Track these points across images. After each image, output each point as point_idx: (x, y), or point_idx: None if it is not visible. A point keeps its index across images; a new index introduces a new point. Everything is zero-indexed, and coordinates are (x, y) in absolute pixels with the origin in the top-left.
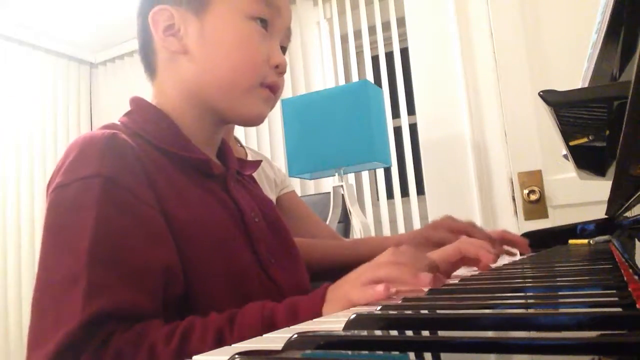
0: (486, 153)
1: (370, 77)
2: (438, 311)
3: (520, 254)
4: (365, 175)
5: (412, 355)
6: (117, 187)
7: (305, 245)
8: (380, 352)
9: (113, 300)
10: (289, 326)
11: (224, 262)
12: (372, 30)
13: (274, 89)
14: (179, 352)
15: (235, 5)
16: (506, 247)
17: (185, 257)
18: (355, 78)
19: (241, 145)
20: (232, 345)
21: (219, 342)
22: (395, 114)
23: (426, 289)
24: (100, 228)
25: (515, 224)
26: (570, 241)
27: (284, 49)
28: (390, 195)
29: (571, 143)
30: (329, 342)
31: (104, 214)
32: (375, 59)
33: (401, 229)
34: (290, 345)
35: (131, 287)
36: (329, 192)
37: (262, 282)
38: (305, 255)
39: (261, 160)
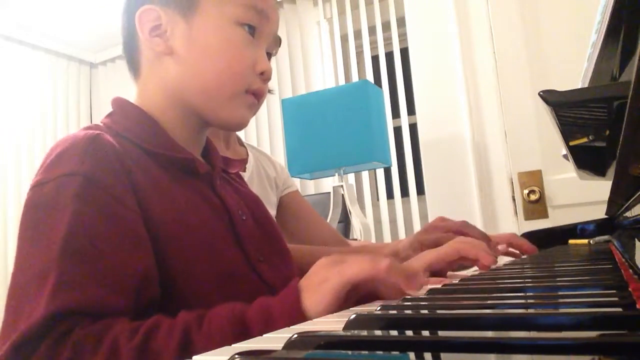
0: (486, 153)
1: (370, 77)
2: (438, 311)
3: (521, 254)
4: (365, 175)
5: (412, 355)
6: (96, 187)
7: (305, 252)
8: (380, 352)
9: (80, 296)
10: (261, 324)
11: (211, 262)
12: (372, 30)
13: (258, 96)
14: (142, 347)
15: (224, 10)
16: (511, 250)
17: (172, 258)
18: (355, 78)
19: (242, 144)
20: (233, 345)
21: (185, 340)
22: (395, 114)
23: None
24: (75, 225)
25: (515, 224)
26: (570, 241)
27: (269, 56)
28: (390, 195)
29: (571, 143)
30: (329, 342)
31: (79, 212)
32: (375, 59)
33: (401, 229)
34: (290, 345)
35: (102, 285)
36: (329, 192)
37: (251, 280)
38: (304, 262)
39: (246, 159)
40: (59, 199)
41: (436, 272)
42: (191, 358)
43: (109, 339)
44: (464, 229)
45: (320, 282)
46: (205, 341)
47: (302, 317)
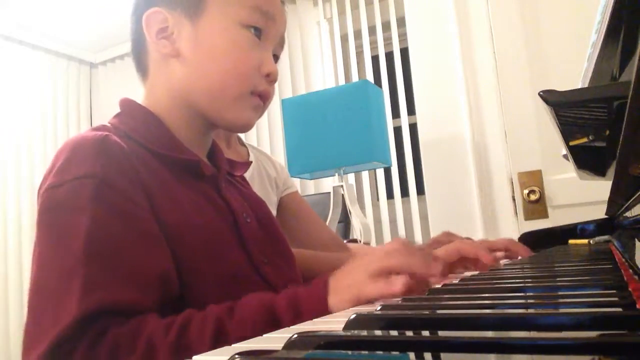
0: (486, 153)
1: (370, 77)
2: (438, 311)
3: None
4: (365, 175)
5: (412, 355)
6: (110, 189)
7: (309, 257)
8: (380, 352)
9: (109, 296)
10: (290, 315)
11: (215, 263)
12: (372, 30)
13: (264, 98)
14: (178, 342)
15: (230, 13)
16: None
17: (177, 259)
18: (355, 78)
19: (242, 144)
20: (233, 345)
21: (219, 331)
22: (395, 114)
23: (433, 284)
24: (95, 228)
25: (515, 224)
26: (570, 241)
27: (276, 58)
28: (390, 195)
29: (571, 143)
30: (329, 342)
31: (97, 214)
32: (375, 59)
33: (401, 229)
34: (290, 345)
35: (128, 284)
36: (329, 192)
37: (255, 282)
38: (307, 266)
39: (251, 162)
40: (75, 201)
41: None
42: (190, 348)
43: (144, 336)
44: None
45: (347, 287)
46: (238, 331)
47: (327, 313)
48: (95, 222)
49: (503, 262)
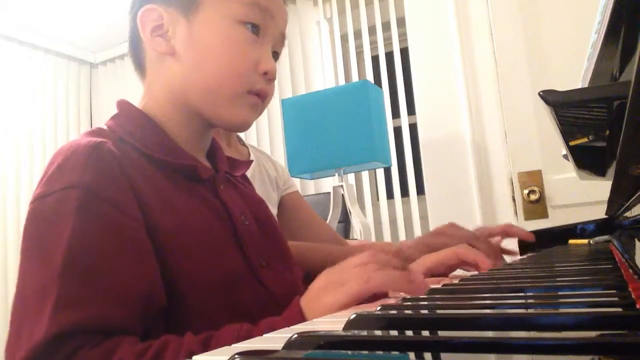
0: (486, 153)
1: (370, 77)
2: (438, 311)
3: (521, 254)
4: (365, 175)
5: (412, 355)
6: (97, 198)
7: (305, 249)
8: (380, 352)
9: (83, 313)
10: None
11: (213, 267)
12: (372, 30)
13: (262, 96)
14: None
15: (226, 9)
16: (505, 247)
17: (173, 265)
18: (355, 78)
19: (243, 144)
20: (232, 345)
21: None
22: (395, 114)
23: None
24: (76, 240)
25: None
26: (570, 241)
27: (276, 55)
28: (390, 195)
29: (571, 143)
30: (329, 342)
31: (80, 225)
32: (375, 59)
33: (401, 229)
34: (290, 345)
35: (104, 300)
36: (329, 192)
37: (253, 286)
38: (304, 259)
39: (252, 161)
40: (59, 212)
41: (437, 275)
42: (191, 358)
43: None
44: (472, 242)
45: (324, 308)
46: None
47: None
48: (77, 234)
49: (508, 259)
